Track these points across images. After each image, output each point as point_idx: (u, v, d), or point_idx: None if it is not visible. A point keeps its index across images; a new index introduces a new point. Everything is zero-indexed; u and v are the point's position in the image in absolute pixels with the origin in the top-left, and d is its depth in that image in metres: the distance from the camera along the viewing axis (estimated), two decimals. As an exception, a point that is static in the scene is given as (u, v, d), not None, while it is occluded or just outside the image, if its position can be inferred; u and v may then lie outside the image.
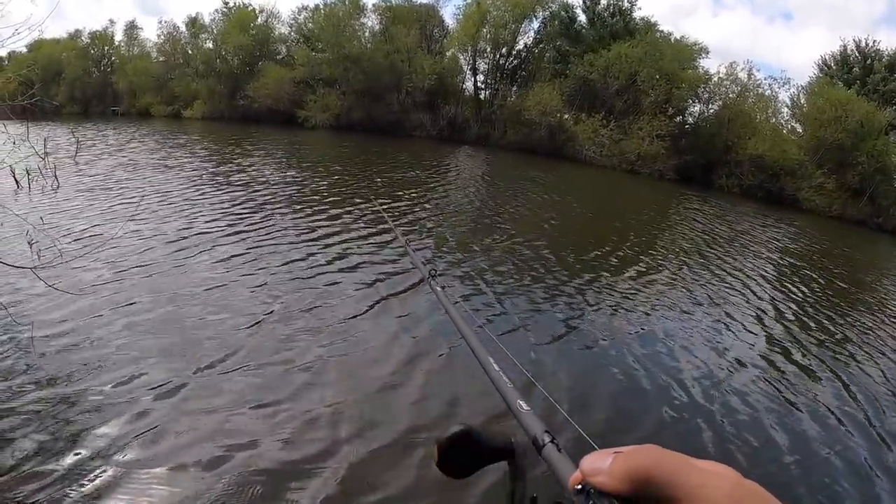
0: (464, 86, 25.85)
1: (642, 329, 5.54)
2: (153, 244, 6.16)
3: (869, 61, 27.57)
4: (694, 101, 24.74)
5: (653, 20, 26.36)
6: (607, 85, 24.57)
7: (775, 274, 10.14)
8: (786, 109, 25.86)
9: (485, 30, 25.59)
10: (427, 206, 10.29)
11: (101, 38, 36.63)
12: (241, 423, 3.07)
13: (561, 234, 9.59)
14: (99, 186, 9.33)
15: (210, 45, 31.81)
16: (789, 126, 25.98)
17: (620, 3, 26.05)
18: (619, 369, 4.51)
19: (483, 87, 25.88)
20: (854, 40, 28.15)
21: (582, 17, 26.28)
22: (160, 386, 3.35)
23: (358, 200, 9.61)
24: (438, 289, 1.31)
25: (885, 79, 27.06)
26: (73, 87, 36.25)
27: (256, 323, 4.32)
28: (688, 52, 25.22)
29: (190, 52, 32.59)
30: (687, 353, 5.14)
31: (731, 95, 24.90)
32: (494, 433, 0.47)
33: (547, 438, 0.50)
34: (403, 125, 26.46)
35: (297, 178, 12.21)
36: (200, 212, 7.97)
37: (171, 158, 13.98)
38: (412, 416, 3.31)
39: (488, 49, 25.78)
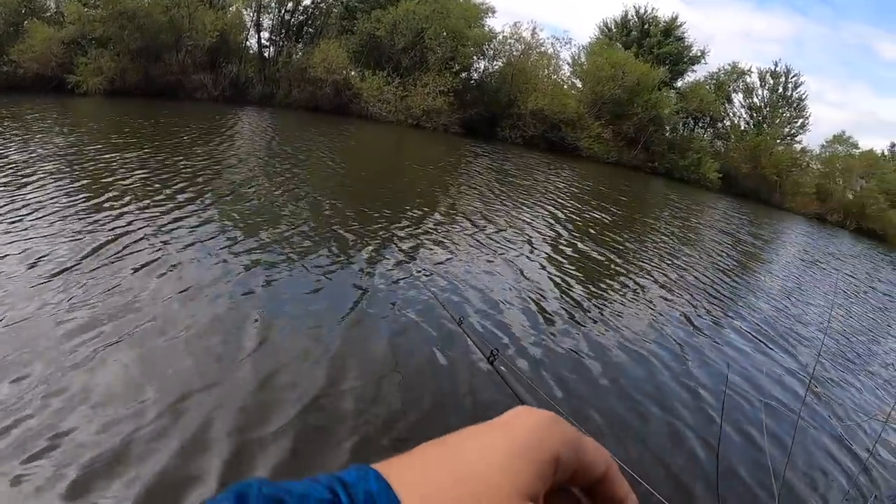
0: (247, 43, 24.47)
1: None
2: None
3: (647, 26, 29.99)
4: (479, 58, 25.30)
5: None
6: (394, 42, 24.32)
7: (562, 211, 10.76)
8: (567, 67, 27.30)
9: (268, -16, 24.31)
10: (217, 176, 8.34)
11: None
12: None
13: (353, 196, 8.72)
14: None
15: (-42, 1, 27.34)
16: (570, 82, 27.46)
17: (410, -40, 25.90)
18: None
19: (268, 44, 24.67)
20: (634, 7, 30.52)
21: (371, -26, 25.82)
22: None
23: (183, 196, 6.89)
24: (502, 369, 1.25)
25: (660, 42, 29.61)
26: None
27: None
28: (475, 11, 25.67)
29: (-67, 10, 27.82)
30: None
31: (514, 53, 25.75)
32: None
33: None
34: (184, 87, 24.35)
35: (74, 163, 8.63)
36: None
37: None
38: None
39: (274, 4, 24.52)
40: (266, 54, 24.57)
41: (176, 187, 6.97)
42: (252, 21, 24.44)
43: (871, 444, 4.07)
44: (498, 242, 7.29)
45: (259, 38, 24.37)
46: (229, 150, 11.51)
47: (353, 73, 23.98)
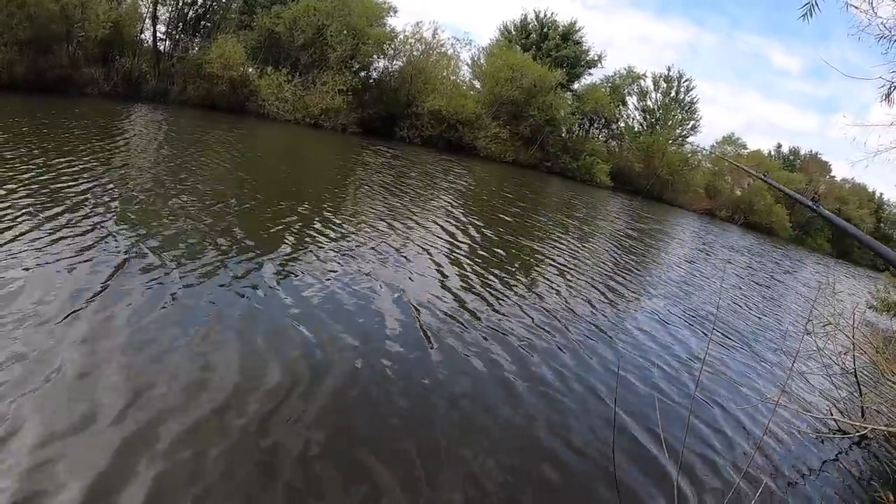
0: (142, 36, 24.17)
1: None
2: None
3: (545, 29, 31.66)
4: (380, 57, 26.07)
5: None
6: (293, 38, 24.69)
7: (458, 209, 11.09)
8: (466, 68, 28.54)
9: (163, -25, 23.98)
10: (106, 185, 7.37)
11: None
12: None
13: (256, 200, 8.41)
14: None
15: None
16: (469, 83, 28.75)
17: (311, -43, 26.17)
18: None
19: (164, 38, 24.46)
20: (534, 10, 32.11)
21: (273, -31, 25.92)
22: None
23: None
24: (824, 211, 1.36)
25: (558, 45, 31.37)
26: None
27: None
28: (376, 10, 26.32)
29: None
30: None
31: (415, 53, 26.68)
32: None
33: None
34: (74, 81, 23.68)
35: None
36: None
37: None
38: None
39: (171, -4, 24.28)
40: (161, 48, 24.33)
41: (66, 201, 6.17)
42: (148, 13, 24.11)
43: (764, 424, 4.25)
44: (410, 242, 7.53)
45: (154, 30, 24.07)
46: (122, 155, 10.64)
47: (250, 69, 24.20)
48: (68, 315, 3.60)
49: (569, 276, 7.84)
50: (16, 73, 24.57)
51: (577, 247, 10.70)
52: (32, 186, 6.51)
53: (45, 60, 24.61)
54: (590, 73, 32.72)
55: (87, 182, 7.30)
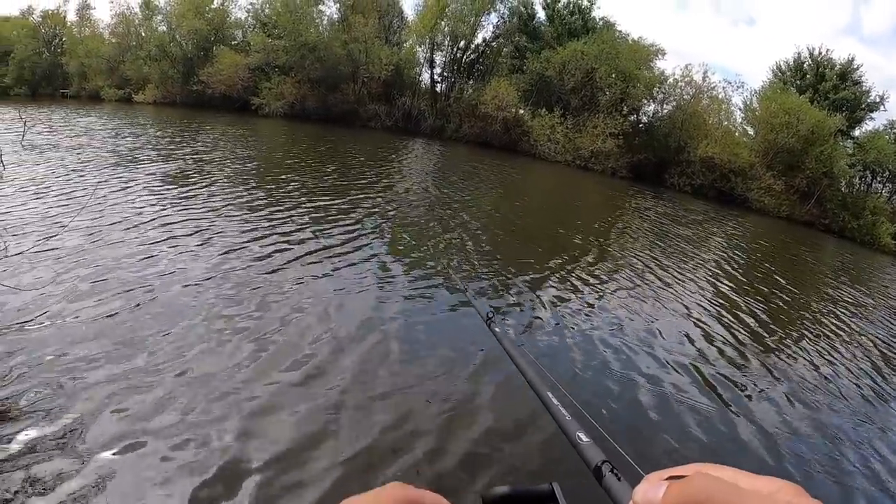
0: (420, 78, 25.48)
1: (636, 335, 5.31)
2: (106, 237, 5.55)
3: (821, 69, 28.08)
4: (649, 101, 24.79)
5: (612, 20, 26.39)
6: (563, 82, 24.44)
7: (726, 270, 10.32)
8: (738, 112, 26.11)
9: (443, 23, 25.25)
10: (389, 200, 9.40)
11: (53, 17, 35.23)
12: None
13: (521, 234, 9.14)
14: (49, 174, 8.23)
15: (164, 27, 30.75)
16: (741, 128, 26.21)
17: (580, 1, 26.00)
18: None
19: (440, 80, 25.59)
20: (808, 48, 28.68)
21: (541, 14, 26.20)
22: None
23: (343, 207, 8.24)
24: (497, 330, 1.34)
25: (836, 87, 27.60)
26: (21, 67, 34.80)
27: (256, 354, 3.65)
28: (644, 53, 25.26)
29: (143, 34, 31.47)
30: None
31: (685, 97, 25.02)
32: (534, 484, 0.52)
33: (607, 468, 0.53)
34: (359, 115, 25.92)
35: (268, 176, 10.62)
36: (157, 206, 7.01)
37: (122, 145, 12.45)
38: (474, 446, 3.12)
39: (447, 42, 25.46)
40: (438, 89, 25.57)
41: (342, 205, 8.17)
42: (425, 58, 25.55)
43: None
44: (676, 297, 6.98)
45: (432, 73, 25.46)
46: (401, 176, 12.77)
47: (521, 111, 24.33)
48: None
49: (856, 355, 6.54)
50: (308, 107, 27.41)
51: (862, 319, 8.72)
52: (324, 193, 8.93)
53: (334, 96, 27.18)
54: (871, 118, 28.36)
55: (363, 196, 9.10)
